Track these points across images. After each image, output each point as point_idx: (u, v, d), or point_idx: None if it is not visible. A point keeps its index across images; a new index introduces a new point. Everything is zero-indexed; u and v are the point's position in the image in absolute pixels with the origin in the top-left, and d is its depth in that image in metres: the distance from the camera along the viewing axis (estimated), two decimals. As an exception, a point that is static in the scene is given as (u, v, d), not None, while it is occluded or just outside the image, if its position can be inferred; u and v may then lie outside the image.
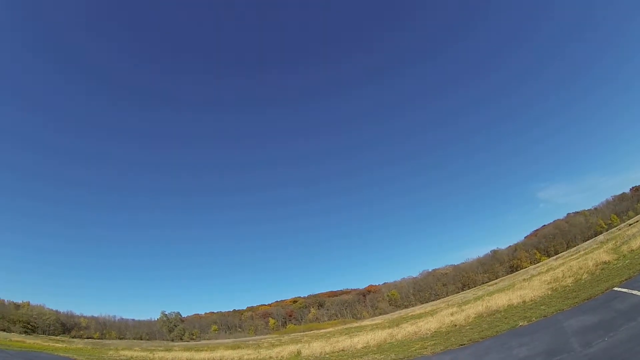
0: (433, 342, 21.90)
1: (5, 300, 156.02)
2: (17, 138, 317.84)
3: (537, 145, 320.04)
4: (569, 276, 29.66)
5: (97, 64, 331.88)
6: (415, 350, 20.80)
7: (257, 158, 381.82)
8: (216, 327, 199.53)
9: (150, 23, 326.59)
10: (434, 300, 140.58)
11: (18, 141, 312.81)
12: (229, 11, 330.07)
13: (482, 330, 20.22)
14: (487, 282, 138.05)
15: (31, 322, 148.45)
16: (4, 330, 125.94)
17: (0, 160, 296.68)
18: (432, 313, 48.67)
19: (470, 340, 18.85)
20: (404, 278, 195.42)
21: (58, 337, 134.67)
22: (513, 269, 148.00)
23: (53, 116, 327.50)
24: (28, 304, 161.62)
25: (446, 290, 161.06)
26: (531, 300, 25.09)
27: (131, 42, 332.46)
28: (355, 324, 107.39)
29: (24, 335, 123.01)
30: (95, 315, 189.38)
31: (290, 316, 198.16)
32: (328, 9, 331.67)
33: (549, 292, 25.50)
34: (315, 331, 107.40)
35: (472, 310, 29.76)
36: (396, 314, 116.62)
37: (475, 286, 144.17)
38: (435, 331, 26.74)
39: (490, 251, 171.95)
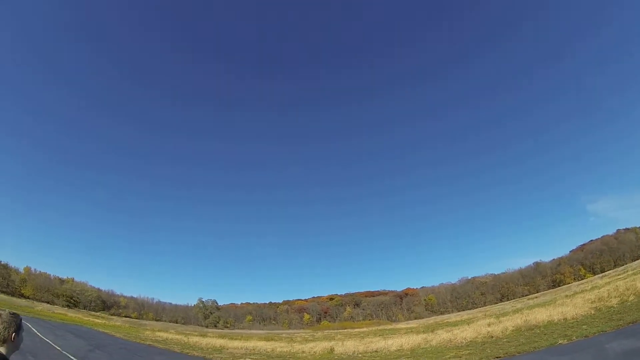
0: (468, 351, 21.52)
1: (51, 275, 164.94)
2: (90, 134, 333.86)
3: (591, 154, 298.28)
4: (615, 296, 28.52)
5: (171, 68, 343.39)
6: (449, 358, 20.49)
7: (309, 155, 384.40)
8: (251, 317, 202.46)
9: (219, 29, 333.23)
10: (471, 309, 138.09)
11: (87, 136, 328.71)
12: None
13: (520, 345, 19.70)
14: (527, 295, 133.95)
15: (74, 297, 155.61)
16: (48, 303, 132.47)
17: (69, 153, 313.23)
18: (468, 322, 47.77)
19: (507, 353, 18.40)
20: (442, 283, 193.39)
21: (98, 314, 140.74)
22: (555, 283, 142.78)
23: (133, 118, 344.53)
24: (72, 280, 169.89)
25: (484, 300, 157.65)
26: (573, 319, 24.28)
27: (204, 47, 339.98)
28: (390, 326, 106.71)
29: (66, 308, 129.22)
30: (135, 296, 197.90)
31: (326, 313, 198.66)
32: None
33: (592, 312, 24.60)
34: (349, 330, 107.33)
35: (510, 322, 29.07)
36: (432, 320, 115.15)
37: (514, 298, 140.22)
38: (470, 341, 26.26)
39: (533, 263, 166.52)
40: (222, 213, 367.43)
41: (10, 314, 3.39)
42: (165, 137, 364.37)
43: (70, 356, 23.17)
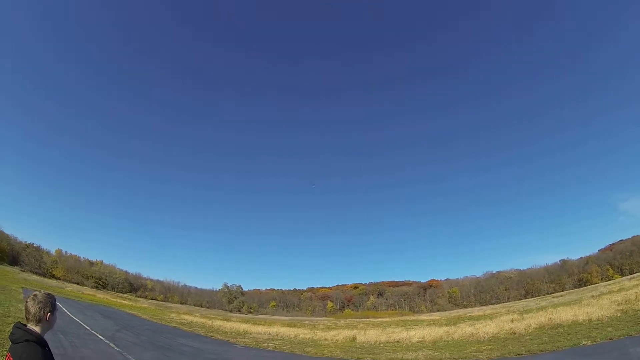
0: (489, 346, 21.47)
1: (81, 257, 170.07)
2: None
3: (625, 151, 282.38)
4: (643, 300, 27.98)
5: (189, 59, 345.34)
6: (471, 352, 20.49)
7: (339, 143, 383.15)
8: (275, 303, 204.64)
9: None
10: (494, 304, 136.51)
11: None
12: None
13: (542, 343, 19.57)
14: (552, 293, 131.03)
15: (102, 279, 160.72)
16: (78, 284, 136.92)
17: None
18: (491, 317, 47.34)
19: (529, 351, 18.31)
20: (466, 276, 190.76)
21: (125, 295, 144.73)
22: (581, 282, 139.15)
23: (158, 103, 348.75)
24: (101, 262, 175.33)
25: (508, 295, 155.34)
26: (598, 320, 23.91)
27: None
28: (412, 317, 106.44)
29: (95, 289, 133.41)
30: (161, 279, 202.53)
31: (349, 301, 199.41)
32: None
33: (618, 314, 24.17)
34: (371, 319, 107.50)
35: (534, 320, 28.73)
36: (454, 313, 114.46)
37: (539, 295, 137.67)
38: (492, 336, 26.10)
39: (560, 260, 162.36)
40: (250, 199, 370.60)
41: (46, 294, 3.58)
42: (187, 124, 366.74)
43: (98, 335, 24.01)
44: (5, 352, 12.08)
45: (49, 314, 3.50)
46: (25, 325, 3.40)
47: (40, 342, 3.32)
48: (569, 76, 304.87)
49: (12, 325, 11.40)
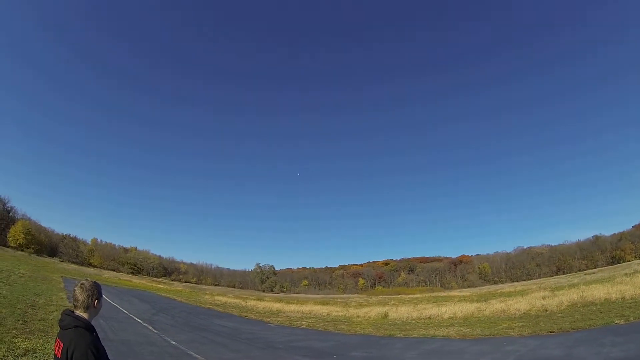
0: (521, 323, 21.34)
1: (116, 245, 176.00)
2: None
3: None
4: (678, 277, 27.26)
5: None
6: (502, 329, 20.40)
7: (369, 124, 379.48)
8: (307, 282, 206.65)
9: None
10: (525, 280, 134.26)
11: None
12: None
13: (574, 321, 19.33)
14: (584, 270, 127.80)
15: (137, 265, 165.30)
16: (114, 270, 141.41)
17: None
18: (522, 293, 46.84)
19: (561, 329, 18.13)
20: (497, 252, 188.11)
21: (160, 279, 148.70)
22: (614, 260, 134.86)
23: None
24: (135, 248, 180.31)
25: (539, 272, 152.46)
26: (631, 298, 23.42)
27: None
28: (443, 294, 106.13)
29: (130, 275, 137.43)
30: (194, 262, 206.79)
31: (380, 278, 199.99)
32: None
33: (653, 292, 23.68)
34: (402, 296, 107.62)
35: (566, 297, 28.34)
36: (485, 289, 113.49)
37: (570, 272, 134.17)
38: (524, 313, 25.90)
39: (592, 236, 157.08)
40: (281, 180, 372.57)
41: (92, 283, 3.74)
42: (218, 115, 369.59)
43: (136, 319, 24.78)
44: (50, 338, 12.74)
45: (96, 301, 3.67)
46: (73, 312, 3.56)
47: (88, 328, 3.49)
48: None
49: (55, 312, 12.10)
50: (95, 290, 3.69)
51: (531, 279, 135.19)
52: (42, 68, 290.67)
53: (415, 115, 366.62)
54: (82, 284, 3.69)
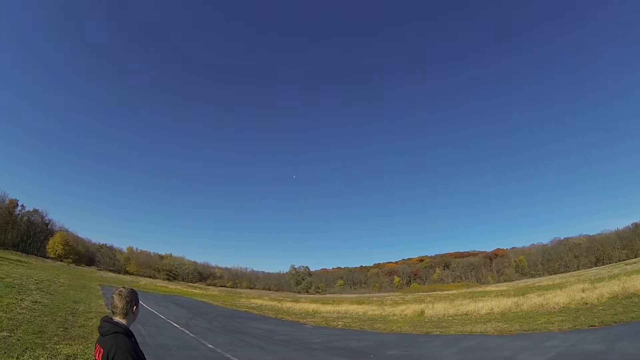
0: (560, 318, 20.78)
1: (151, 252, 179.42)
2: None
3: None
4: None
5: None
6: (541, 324, 19.89)
7: (397, 121, 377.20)
8: (342, 282, 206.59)
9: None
10: (563, 273, 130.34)
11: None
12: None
13: (616, 314, 18.69)
14: (624, 260, 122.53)
15: (173, 271, 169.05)
16: (150, 277, 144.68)
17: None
18: (560, 286, 45.65)
19: (602, 322, 17.55)
20: (533, 244, 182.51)
21: (195, 284, 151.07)
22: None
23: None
24: (170, 255, 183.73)
25: (577, 263, 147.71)
26: (676, 288, 22.58)
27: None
28: (479, 289, 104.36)
29: (166, 281, 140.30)
30: (229, 266, 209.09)
31: (415, 275, 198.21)
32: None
33: (698, 281, 22.69)
34: (438, 292, 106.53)
35: (606, 289, 27.45)
36: (522, 283, 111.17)
37: (610, 262, 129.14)
38: (563, 306, 25.21)
39: (632, 224, 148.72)
40: (312, 180, 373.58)
41: (130, 290, 3.84)
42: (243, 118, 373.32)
43: (173, 323, 25.13)
44: (90, 343, 13.05)
45: (134, 307, 3.77)
46: (112, 319, 3.65)
47: (127, 334, 3.57)
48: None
49: (94, 319, 12.42)
50: (133, 297, 3.79)
51: (569, 271, 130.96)
52: (83, 91, 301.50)
53: (438, 108, 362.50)
54: (120, 291, 3.79)
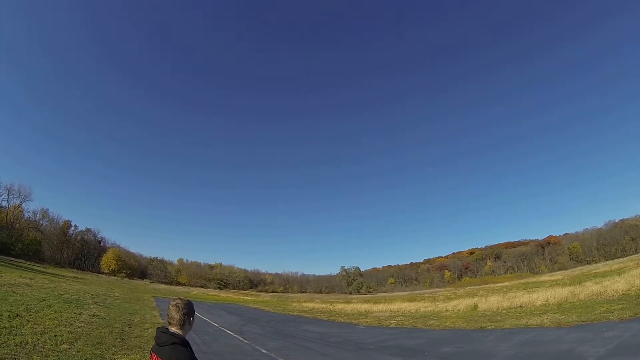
0: (620, 306, 19.88)
1: (202, 263, 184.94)
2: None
3: None
4: None
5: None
6: (600, 313, 19.09)
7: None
8: (393, 280, 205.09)
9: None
10: (620, 257, 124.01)
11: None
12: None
13: (680, 299, 17.79)
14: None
15: (223, 280, 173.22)
16: (202, 287, 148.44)
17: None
18: (618, 272, 43.71)
19: (665, 309, 16.76)
20: (586, 229, 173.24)
21: (247, 291, 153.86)
22: None
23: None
24: (220, 264, 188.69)
25: (635, 246, 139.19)
26: None
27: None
28: (533, 279, 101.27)
29: (218, 290, 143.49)
30: (279, 272, 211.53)
31: (466, 268, 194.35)
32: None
33: None
34: (491, 285, 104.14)
35: (668, 273, 26.17)
36: (577, 270, 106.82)
37: None
38: (623, 294, 24.09)
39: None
40: (357, 179, 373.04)
41: (185, 301, 3.90)
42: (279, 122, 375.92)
43: (227, 331, 25.59)
44: (146, 353, 13.46)
45: (191, 318, 3.84)
46: (168, 329, 3.72)
47: (184, 344, 3.63)
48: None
49: (149, 329, 12.97)
50: (190, 309, 3.87)
51: (627, 255, 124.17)
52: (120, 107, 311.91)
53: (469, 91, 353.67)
54: (176, 303, 3.86)
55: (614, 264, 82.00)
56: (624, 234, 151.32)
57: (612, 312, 18.53)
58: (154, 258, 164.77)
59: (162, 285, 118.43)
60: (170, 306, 3.87)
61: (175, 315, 3.77)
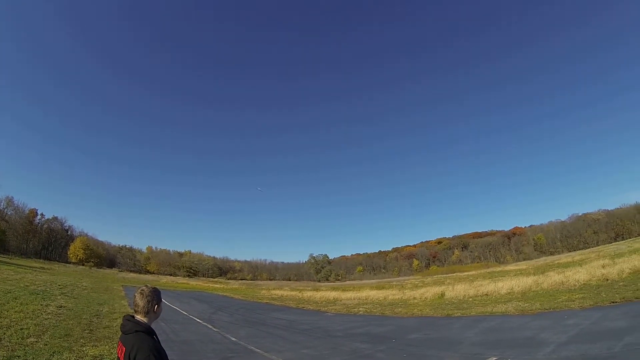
0: (581, 295, 20.64)
1: (171, 250, 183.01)
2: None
3: None
4: None
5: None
6: (562, 302, 19.78)
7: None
8: (361, 268, 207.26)
9: None
10: (582, 249, 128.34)
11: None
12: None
13: (638, 289, 18.49)
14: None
15: (193, 267, 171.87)
16: (171, 275, 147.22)
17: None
18: (580, 263, 45.28)
19: (623, 298, 17.39)
20: (551, 221, 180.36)
21: (216, 279, 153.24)
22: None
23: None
24: (189, 252, 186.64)
25: (597, 239, 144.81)
26: (698, 260, 22.26)
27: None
28: (499, 268, 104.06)
29: (187, 278, 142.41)
30: (248, 259, 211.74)
31: (434, 257, 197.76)
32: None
33: None
34: (458, 274, 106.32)
35: (627, 264, 27.16)
36: (541, 261, 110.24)
37: (630, 237, 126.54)
38: (584, 283, 25.03)
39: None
40: (326, 167, 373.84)
41: (151, 288, 3.88)
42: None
43: (196, 319, 25.53)
44: (116, 343, 13.35)
45: (156, 306, 3.81)
46: (134, 317, 3.70)
47: (149, 332, 3.62)
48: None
49: (118, 319, 12.81)
50: (155, 296, 3.84)
51: (589, 247, 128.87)
52: (81, 85, 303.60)
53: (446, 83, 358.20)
54: (141, 290, 3.85)
55: (576, 256, 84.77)
56: (586, 227, 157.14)
57: (574, 301, 19.22)
58: (122, 246, 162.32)
59: (132, 274, 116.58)
60: (136, 293, 3.85)
61: (140, 302, 3.75)
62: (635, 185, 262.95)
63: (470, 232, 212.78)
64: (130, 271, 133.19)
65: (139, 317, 3.73)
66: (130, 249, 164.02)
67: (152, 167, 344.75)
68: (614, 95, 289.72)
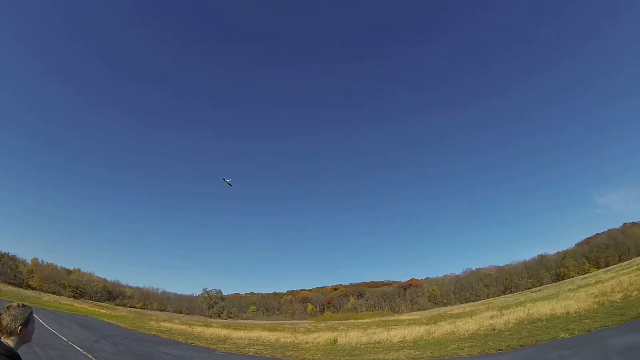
0: (470, 343, 21.50)
1: (58, 266, 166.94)
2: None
3: (604, 146, 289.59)
4: (618, 291, 28.37)
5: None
6: (452, 350, 20.47)
7: (316, 147, 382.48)
8: (255, 307, 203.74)
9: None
10: (474, 301, 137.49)
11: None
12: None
13: (522, 338, 19.63)
14: (530, 288, 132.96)
15: (80, 288, 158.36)
16: (55, 294, 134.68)
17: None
18: (471, 314, 47.75)
19: (509, 346, 18.35)
20: (446, 275, 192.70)
21: (104, 304, 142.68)
22: (559, 277, 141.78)
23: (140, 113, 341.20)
24: (79, 270, 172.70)
25: (487, 292, 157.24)
26: (575, 312, 24.15)
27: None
28: (393, 317, 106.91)
29: (72, 299, 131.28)
30: (140, 286, 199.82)
31: (329, 303, 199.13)
32: None
33: (595, 306, 24.45)
34: (352, 321, 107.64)
35: (513, 315, 28.99)
36: (434, 311, 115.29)
37: (517, 291, 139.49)
38: (473, 333, 26.24)
39: (537, 256, 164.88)
40: (227, 205, 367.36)
41: (20, 306, 3.37)
42: (166, 132, 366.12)
43: (75, 347, 23.40)
44: None
45: (20, 326, 3.28)
46: None
47: (12, 357, 3.15)
48: (547, 82, 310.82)
49: None
50: (21, 315, 3.31)
51: (480, 300, 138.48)
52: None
53: (376, 137, 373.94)
54: (8, 306, 3.35)
55: (468, 307, 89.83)
56: (478, 280, 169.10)
57: (463, 349, 19.93)
58: (4, 253, 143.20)
59: (10, 287, 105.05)
60: (2, 310, 3.34)
61: (4, 321, 3.23)
62: (525, 244, 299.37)
63: (367, 280, 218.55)
64: (9, 283, 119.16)
65: (3, 338, 3.23)
66: (13, 258, 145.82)
67: (47, 171, 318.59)
68: (508, 164, 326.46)
